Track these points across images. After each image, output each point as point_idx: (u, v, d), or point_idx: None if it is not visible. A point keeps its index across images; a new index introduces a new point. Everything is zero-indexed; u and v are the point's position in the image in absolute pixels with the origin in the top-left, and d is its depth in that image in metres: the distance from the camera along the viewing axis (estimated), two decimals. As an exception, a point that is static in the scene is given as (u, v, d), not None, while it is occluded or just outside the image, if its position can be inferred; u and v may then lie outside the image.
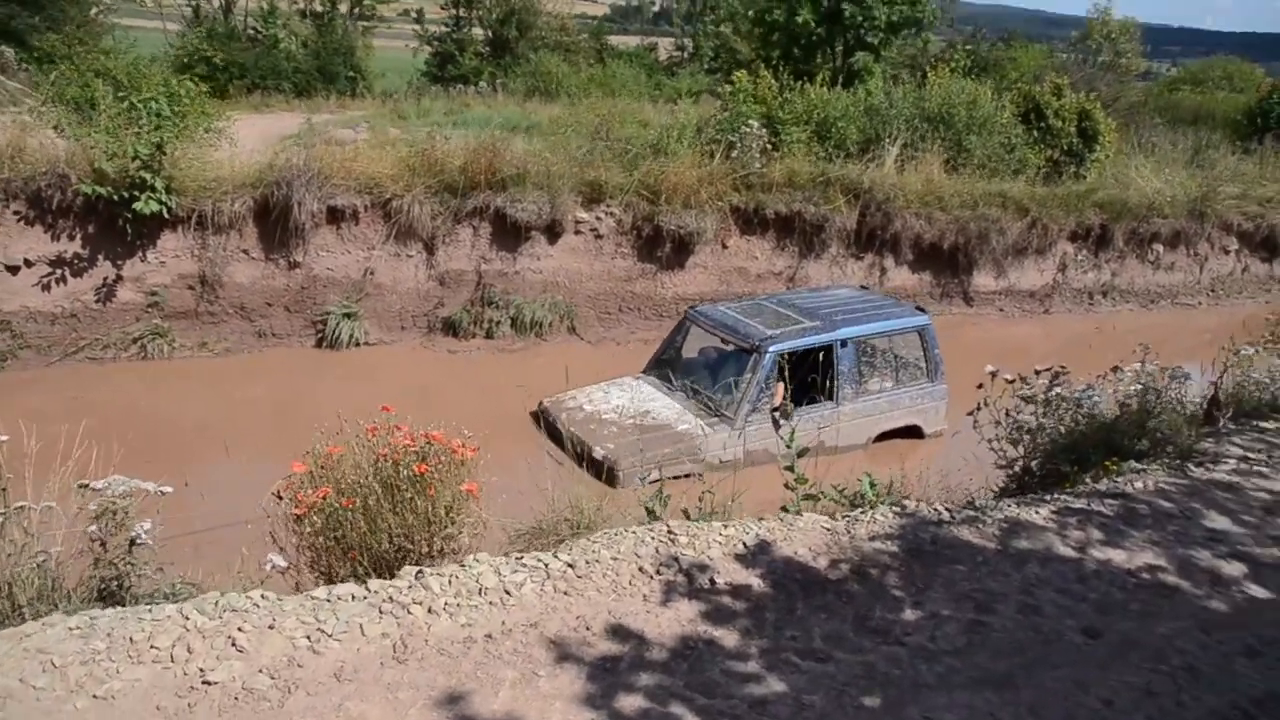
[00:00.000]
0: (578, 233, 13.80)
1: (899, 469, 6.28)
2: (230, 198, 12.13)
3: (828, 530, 4.45)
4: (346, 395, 11.06)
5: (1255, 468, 5.74)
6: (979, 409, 6.54)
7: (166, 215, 11.70)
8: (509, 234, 13.36)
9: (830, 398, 10.16)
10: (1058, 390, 6.01)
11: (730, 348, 10.44)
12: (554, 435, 9.95)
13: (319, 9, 36.82)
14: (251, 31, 35.02)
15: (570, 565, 3.89)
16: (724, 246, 14.52)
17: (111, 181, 11.33)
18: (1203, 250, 17.52)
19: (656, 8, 45.97)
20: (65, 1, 36.97)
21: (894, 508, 4.80)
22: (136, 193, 11.37)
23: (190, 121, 13.90)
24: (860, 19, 20.00)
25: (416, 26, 39.49)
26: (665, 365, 10.98)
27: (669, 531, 4.20)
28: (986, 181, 16.09)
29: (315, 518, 4.05)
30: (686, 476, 8.80)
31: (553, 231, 13.58)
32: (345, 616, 3.48)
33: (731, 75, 18.69)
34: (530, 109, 27.91)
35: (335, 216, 12.68)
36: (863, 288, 12.64)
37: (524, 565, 3.87)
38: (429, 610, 3.57)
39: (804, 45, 20.51)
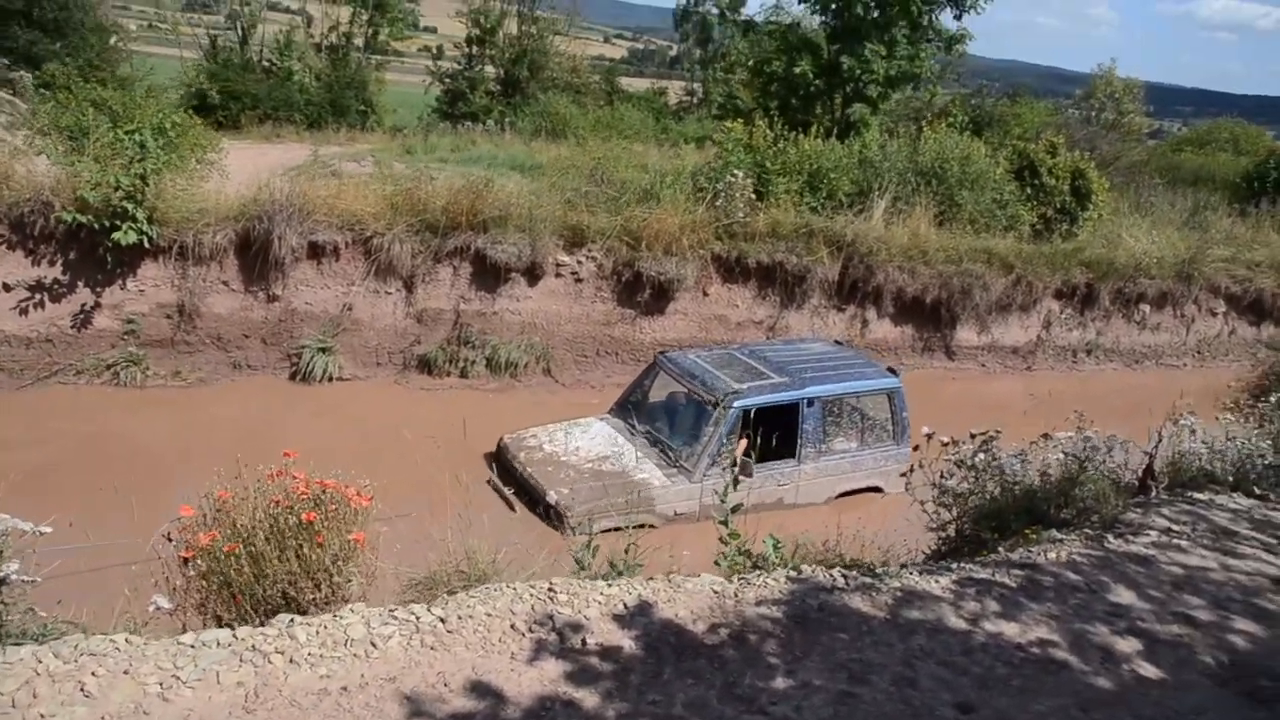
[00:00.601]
0: (558, 275, 13.89)
1: (835, 529, 6.26)
2: (213, 230, 12.29)
3: (715, 594, 4.45)
4: (305, 430, 11.20)
5: (1175, 540, 5.72)
6: (912, 471, 6.57)
7: (147, 245, 11.86)
8: (489, 274, 13.46)
9: (793, 456, 10.20)
10: (981, 456, 6.01)
11: (695, 398, 10.45)
12: (507, 474, 9.97)
13: (334, 42, 37.27)
14: (267, 63, 35.45)
15: (442, 619, 3.90)
16: (705, 294, 14.60)
17: (93, 210, 11.49)
18: (1190, 312, 17.54)
19: (674, 53, 46.30)
20: (86, 30, 37.61)
21: (791, 572, 4.79)
22: (118, 222, 11.52)
23: (181, 153, 14.09)
24: (859, 72, 20.18)
25: (429, 63, 39.91)
26: (630, 408, 11.02)
27: (549, 588, 4.21)
28: (974, 237, 16.16)
29: (201, 561, 4.07)
30: (640, 527, 8.81)
31: (533, 273, 13.68)
32: (205, 663, 3.49)
33: (725, 124, 18.80)
34: (536, 148, 28.14)
35: (316, 252, 12.82)
36: (838, 342, 12.68)
37: (395, 618, 3.88)
38: (290, 660, 3.58)
39: (802, 96, 20.68)
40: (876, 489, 10.78)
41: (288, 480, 4.33)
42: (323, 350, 12.68)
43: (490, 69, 38.68)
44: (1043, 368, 16.60)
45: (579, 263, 13.97)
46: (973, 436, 6.50)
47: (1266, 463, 7.16)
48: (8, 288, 11.78)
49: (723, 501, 5.78)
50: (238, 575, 4.08)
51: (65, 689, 3.29)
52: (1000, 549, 5.50)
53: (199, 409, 11.69)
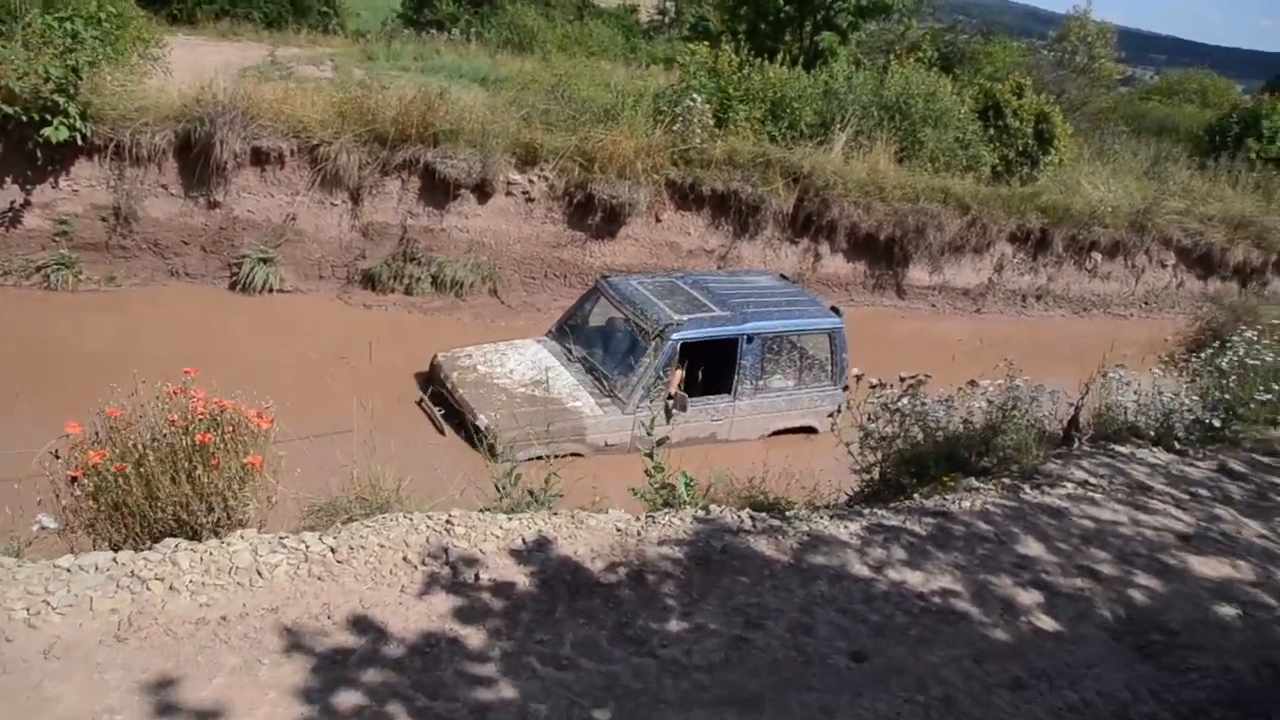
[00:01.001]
0: (509, 194, 13.64)
1: (761, 467, 6.25)
2: (151, 129, 11.86)
3: (619, 531, 4.40)
4: (235, 342, 10.97)
5: (1090, 493, 5.74)
6: (839, 412, 6.54)
7: (80, 142, 11.42)
8: (438, 190, 13.18)
9: (729, 392, 10.12)
10: (906, 400, 5.98)
11: (633, 327, 10.28)
12: (440, 394, 9.83)
13: (297, -62, 36.04)
14: (226, -44, 34.25)
15: (332, 549, 3.82)
16: (658, 220, 14.42)
17: (21, 102, 11.02)
18: (1140, 262, 17.61)
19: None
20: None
21: (699, 511, 4.75)
22: (48, 116, 11.08)
23: (120, 46, 13.56)
24: (830, 0, 19.80)
25: (397, -35, 38.85)
26: (569, 332, 10.85)
27: (447, 521, 4.13)
28: (933, 176, 16.02)
29: (88, 481, 3.94)
30: (569, 456, 8.74)
31: (483, 191, 13.41)
32: (78, 589, 3.40)
33: (689, 46, 18.45)
34: (501, 61, 27.53)
35: (260, 158, 12.46)
36: (783, 276, 12.51)
37: (284, 545, 3.79)
38: (170, 587, 3.50)
39: (772, 21, 20.25)
40: (811, 429, 10.72)
41: (186, 399, 4.20)
42: (264, 261, 12.40)
43: (459, -25, 37.67)
44: (992, 311, 16.64)
45: (530, 182, 13.71)
46: (901, 380, 6.48)
47: (1193, 417, 7.21)
48: (-70, 181, 11.36)
49: (649, 434, 5.71)
50: (128, 497, 3.97)
51: (-75, 611, 3.19)
52: (916, 495, 5.49)
53: (130, 315, 11.43)
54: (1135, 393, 7.34)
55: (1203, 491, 6.19)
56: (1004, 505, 5.45)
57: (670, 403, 9.39)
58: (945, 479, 5.74)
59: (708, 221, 14.69)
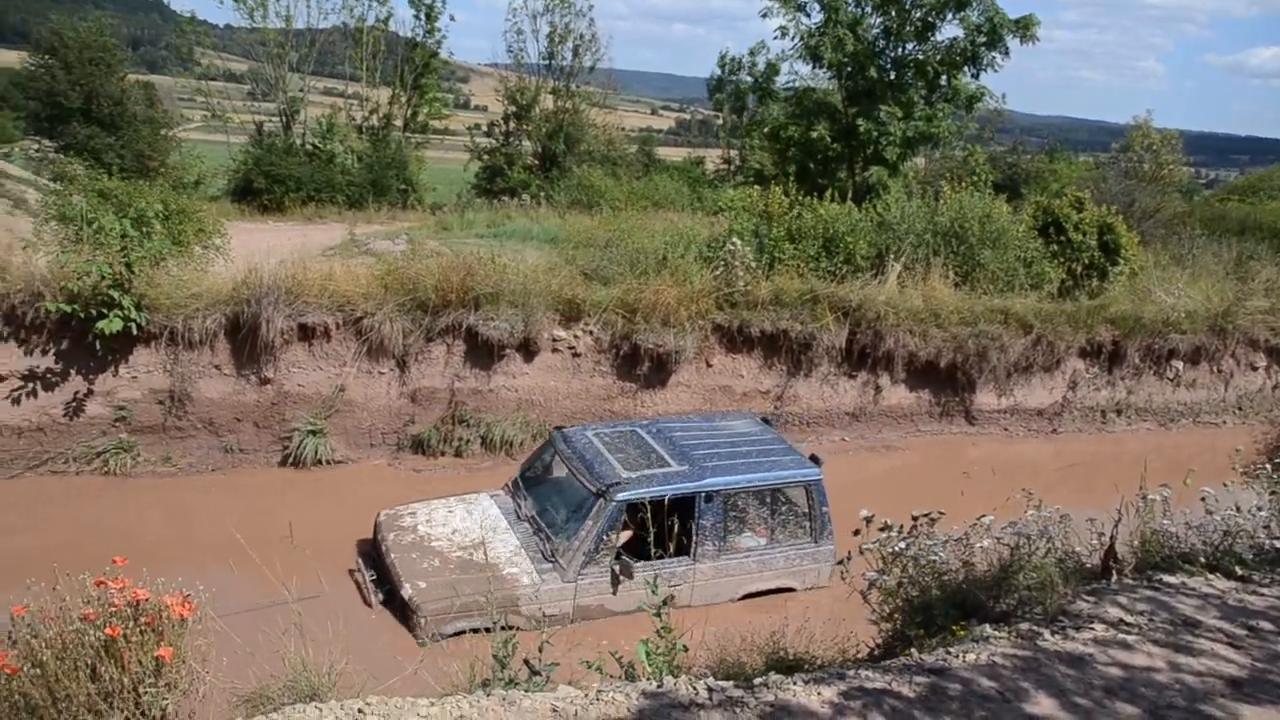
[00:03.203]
0: (555, 350, 13.69)
1: (746, 626, 5.85)
2: (202, 314, 12.29)
3: (554, 712, 4.05)
4: (268, 517, 10.93)
5: (1122, 635, 5.19)
6: (849, 559, 6.13)
7: (135, 332, 11.89)
8: (482, 352, 13.31)
9: (688, 554, 9.28)
10: (905, 544, 5.56)
11: (578, 484, 9.51)
12: (376, 558, 9.40)
13: (375, 124, 38.04)
14: (310, 146, 36.27)
15: (225, 749, 3.60)
16: (708, 365, 14.28)
17: (81, 300, 11.58)
18: (1227, 366, 16.75)
19: (720, 122, 46.56)
20: (139, 123, 39.11)
21: (649, 684, 4.38)
22: (104, 310, 11.58)
23: (184, 238, 14.26)
24: (875, 135, 19.91)
25: (469, 139, 40.61)
26: (520, 487, 10.23)
27: (359, 710, 3.86)
28: (995, 297, 15.66)
29: (-6, 684, 3.82)
30: (507, 628, 8.19)
31: (528, 349, 13.50)
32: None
33: (729, 191, 18.63)
34: (570, 221, 28.23)
35: (307, 333, 12.78)
36: (764, 420, 11.51)
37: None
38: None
39: (820, 160, 20.46)
40: (789, 590, 9.78)
41: (104, 591, 4.08)
42: (313, 433, 12.57)
43: (528, 144, 39.18)
44: (1069, 430, 15.92)
45: (575, 337, 13.76)
46: (914, 519, 6.07)
47: (1255, 540, 6.56)
48: (1, 378, 11.87)
49: (654, 592, 5.40)
50: (32, 699, 3.82)
51: None
52: (913, 650, 5.02)
53: (176, 497, 11.60)
54: (1186, 512, 6.74)
55: (1265, 625, 5.54)
56: (1015, 656, 4.93)
57: (616, 568, 8.86)
58: (955, 628, 5.26)
59: (760, 362, 14.49)
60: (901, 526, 6.02)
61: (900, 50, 21.08)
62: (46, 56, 39.52)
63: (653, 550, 7.78)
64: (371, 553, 9.52)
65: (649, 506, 8.67)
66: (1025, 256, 16.98)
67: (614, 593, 8.90)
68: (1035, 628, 5.27)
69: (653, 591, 5.42)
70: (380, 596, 9.04)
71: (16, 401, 11.91)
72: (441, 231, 28.23)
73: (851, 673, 4.66)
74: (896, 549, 5.56)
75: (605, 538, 8.92)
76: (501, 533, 9.38)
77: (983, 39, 20.94)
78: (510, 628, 7.96)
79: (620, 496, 8.93)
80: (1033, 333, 15.27)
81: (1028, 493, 6.15)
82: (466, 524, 9.51)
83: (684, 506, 9.16)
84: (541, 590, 8.70)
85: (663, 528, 8.48)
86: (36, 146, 35.48)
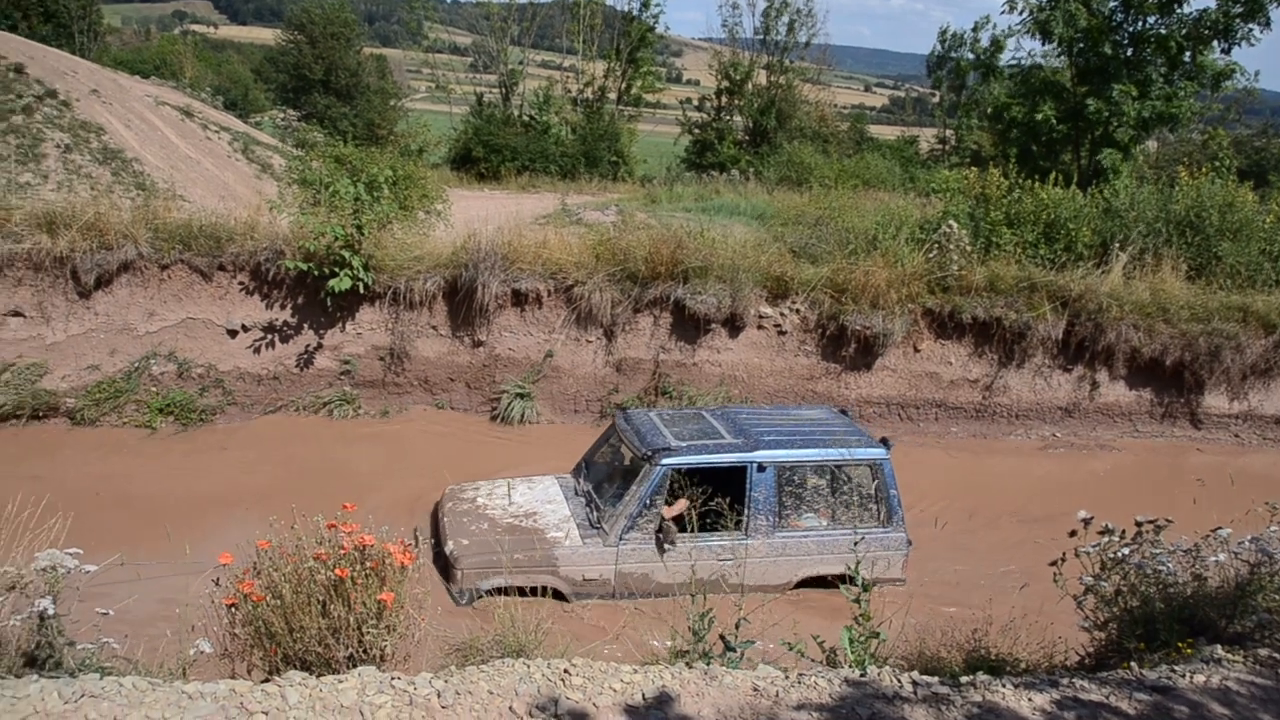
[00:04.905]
0: (760, 327, 13.63)
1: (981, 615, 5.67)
2: (424, 276, 12.88)
3: (755, 691, 4.05)
4: (492, 462, 11.34)
5: (1377, 666, 4.77)
6: (1062, 560, 5.86)
7: (363, 291, 12.58)
8: (688, 325, 13.40)
9: (739, 528, 8.81)
10: (1126, 550, 5.26)
11: (630, 455, 9.32)
12: (435, 525, 9.46)
13: (589, 97, 38.75)
14: (527, 118, 37.35)
15: (439, 693, 3.74)
16: (916, 350, 13.91)
17: (316, 259, 12.34)
18: None
19: (936, 100, 45.08)
20: (371, 93, 41.25)
21: (854, 672, 4.30)
22: (336, 269, 12.30)
23: (410, 203, 15.00)
24: (1106, 115, 18.76)
25: (680, 113, 40.80)
26: (583, 466, 10.11)
27: (565, 670, 3.96)
28: (1227, 294, 14.57)
29: (238, 609, 4.14)
30: (551, 593, 7.98)
31: (733, 325, 13.50)
32: (192, 716, 3.51)
33: (944, 172, 18.00)
34: (778, 197, 28.05)
35: (519, 299, 13.19)
36: (842, 411, 10.80)
37: (393, 687, 3.75)
38: (274, 723, 3.55)
39: (1045, 142, 19.47)
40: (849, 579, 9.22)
41: (335, 534, 4.34)
42: (521, 396, 12.98)
43: (739, 119, 39.07)
44: (1315, 441, 14.65)
45: (782, 315, 13.66)
46: (1138, 525, 5.76)
47: None
48: (245, 328, 12.81)
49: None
50: (270, 627, 4.12)
51: (54, 730, 3.39)
52: (1133, 664, 4.74)
53: (397, 438, 12.33)
54: None
55: None
56: (1253, 683, 4.59)
57: (660, 535, 8.59)
58: (1182, 645, 4.95)
59: (970, 350, 14.00)
60: (1124, 532, 5.72)
61: (1140, 24, 19.72)
62: (296, 33, 42.32)
63: (690, 523, 7.76)
64: (432, 524, 9.57)
65: (699, 477, 8.63)
66: (1272, 251, 15.72)
67: (661, 560, 8.67)
68: (1276, 655, 4.90)
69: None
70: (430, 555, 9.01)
71: (257, 351, 12.82)
72: (650, 204, 28.61)
73: (1065, 681, 4.47)
74: (1118, 555, 5.26)
75: (649, 502, 8.67)
76: (555, 505, 9.29)
77: (1239, 9, 19.31)
78: (547, 591, 7.81)
79: (666, 461, 8.69)
80: (1276, 333, 14.13)
81: (1272, 507, 5.71)
82: (525, 499, 9.47)
83: (736, 479, 8.91)
84: (581, 552, 8.56)
85: (712, 500, 8.37)
86: (282, 115, 38.09)
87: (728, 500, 8.46)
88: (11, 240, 11.95)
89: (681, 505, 8.72)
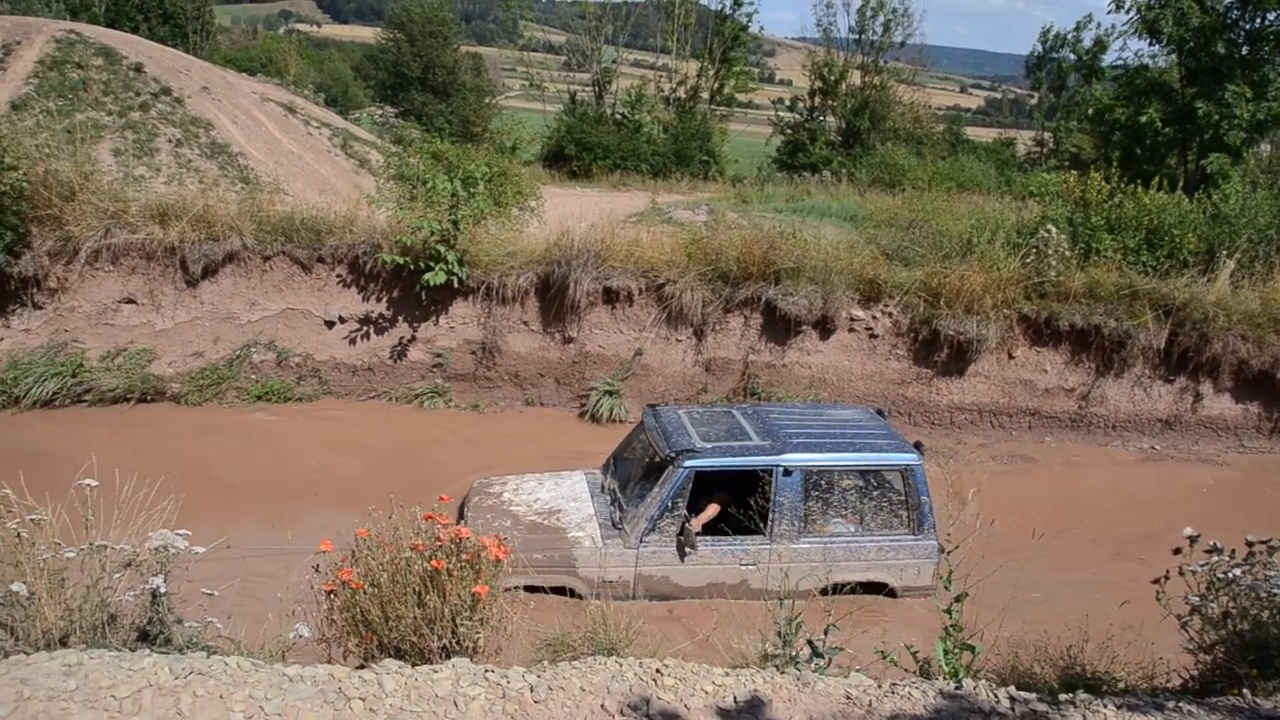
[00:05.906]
0: (851, 330, 13.51)
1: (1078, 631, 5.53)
2: (516, 272, 13.04)
3: (847, 699, 4.01)
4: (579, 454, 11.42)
5: None
6: (1165, 578, 5.68)
7: (457, 285, 12.79)
8: (779, 326, 13.33)
9: (763, 532, 8.61)
10: (1236, 571, 5.08)
11: (654, 454, 9.11)
12: (460, 519, 9.33)
13: (681, 96, 38.78)
14: (619, 116, 37.52)
15: (531, 688, 3.79)
16: (1010, 356, 13.63)
17: (412, 253, 12.58)
18: None
19: (1034, 102, 44.13)
20: (466, 91, 41.88)
21: (949, 684, 4.23)
22: (430, 263, 12.52)
23: (505, 199, 15.21)
24: (1217, 118, 18.12)
25: (772, 113, 40.61)
26: (612, 463, 9.96)
27: (657, 670, 3.97)
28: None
29: (337, 596, 4.25)
30: (569, 593, 8.03)
31: (824, 327, 13.40)
32: (292, 698, 3.61)
33: (1044, 176, 17.58)
34: (870, 199, 27.76)
35: (610, 297, 13.27)
36: (878, 412, 10.49)
37: (486, 679, 3.81)
38: (369, 708, 3.62)
39: (1149, 145, 18.89)
40: (882, 586, 8.93)
41: (433, 525, 4.43)
42: (609, 393, 13.05)
43: (832, 120, 38.73)
44: None
45: (874, 318, 13.52)
46: (1249, 545, 5.56)
47: None
48: (342, 320, 13.13)
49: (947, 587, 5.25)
50: (367, 615, 4.22)
51: (164, 704, 3.52)
52: (1247, 692, 4.56)
53: (489, 428, 12.57)
54: None
55: None
56: (1371, 712, 4.41)
57: (681, 539, 8.43)
58: (1299, 674, 4.77)
59: (1066, 358, 13.67)
60: (1234, 551, 5.53)
61: (1259, 21, 18.97)
62: (395, 31, 43.24)
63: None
64: (458, 518, 9.40)
65: (723, 479, 8.51)
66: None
67: (681, 563, 8.56)
68: None
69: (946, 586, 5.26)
70: None
71: (353, 342, 13.12)
72: (740, 204, 28.52)
73: (1171, 705, 4.32)
74: (1227, 575, 5.09)
75: (672, 504, 8.51)
76: (580, 503, 9.19)
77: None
78: (567, 590, 7.94)
79: (689, 463, 8.52)
80: (1396, 348, 13.52)
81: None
82: (551, 495, 9.37)
83: (762, 482, 8.66)
84: (601, 553, 8.45)
85: (738, 504, 8.31)
86: (380, 112, 38.94)
87: (753, 503, 8.37)
88: (128, 230, 12.45)
89: (711, 512, 8.71)
